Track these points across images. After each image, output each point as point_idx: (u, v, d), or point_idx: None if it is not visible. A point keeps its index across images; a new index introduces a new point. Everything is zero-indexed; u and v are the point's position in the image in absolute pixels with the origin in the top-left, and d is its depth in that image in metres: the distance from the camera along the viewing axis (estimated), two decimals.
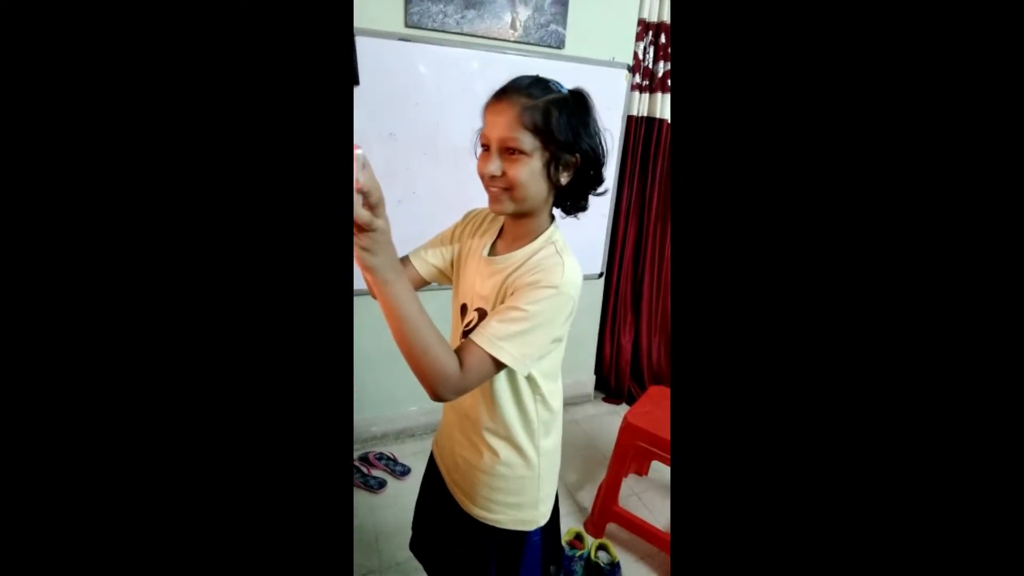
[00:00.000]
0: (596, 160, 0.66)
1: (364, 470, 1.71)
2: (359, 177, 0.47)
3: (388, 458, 1.76)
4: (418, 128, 1.58)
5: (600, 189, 0.70)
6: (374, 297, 0.56)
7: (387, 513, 1.55)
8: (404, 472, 1.72)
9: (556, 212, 0.72)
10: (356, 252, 0.51)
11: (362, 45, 1.43)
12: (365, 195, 0.48)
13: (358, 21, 1.42)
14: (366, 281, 0.59)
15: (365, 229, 0.49)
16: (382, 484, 1.65)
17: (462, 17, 1.54)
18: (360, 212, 0.47)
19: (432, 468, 0.89)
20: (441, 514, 0.83)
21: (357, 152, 0.46)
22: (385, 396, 1.86)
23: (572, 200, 0.69)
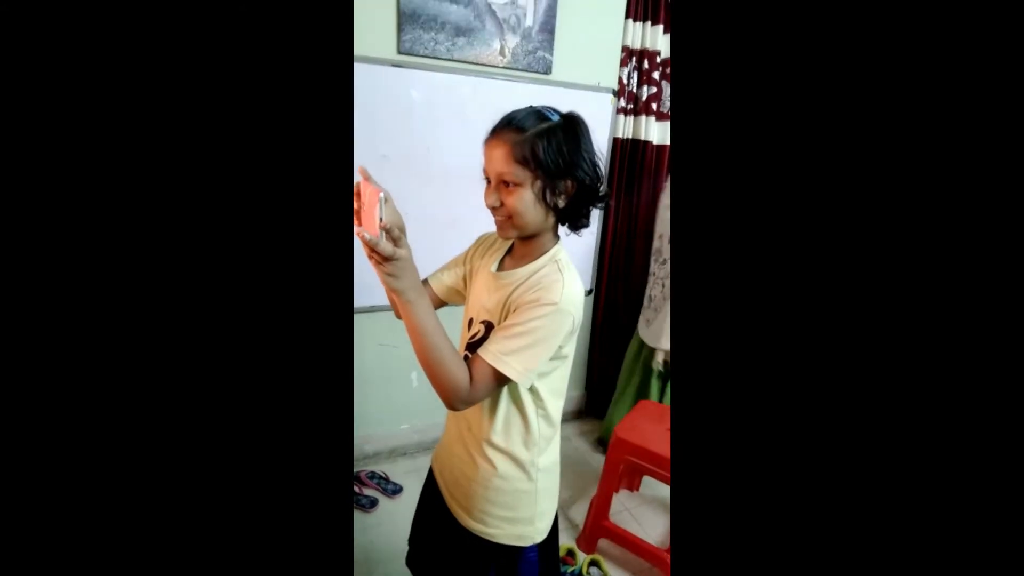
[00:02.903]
0: (592, 181, 0.70)
1: (356, 489, 1.70)
2: (382, 216, 0.53)
3: (380, 477, 1.75)
4: (410, 150, 1.62)
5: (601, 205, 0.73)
6: (398, 316, 0.62)
7: (378, 532, 1.54)
8: (396, 491, 1.71)
9: (562, 228, 0.75)
10: (381, 278, 0.58)
11: (357, 70, 1.48)
12: (388, 231, 0.55)
13: (354, 48, 1.46)
14: (390, 301, 0.65)
15: (389, 259, 0.55)
16: (374, 503, 1.65)
17: (452, 44, 1.60)
18: (384, 246, 0.54)
19: (431, 483, 0.90)
20: (439, 529, 0.84)
21: (380, 195, 0.53)
22: (377, 414, 1.86)
23: (573, 219, 0.73)
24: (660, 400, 1.82)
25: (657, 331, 1.75)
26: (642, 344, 1.85)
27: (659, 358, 1.75)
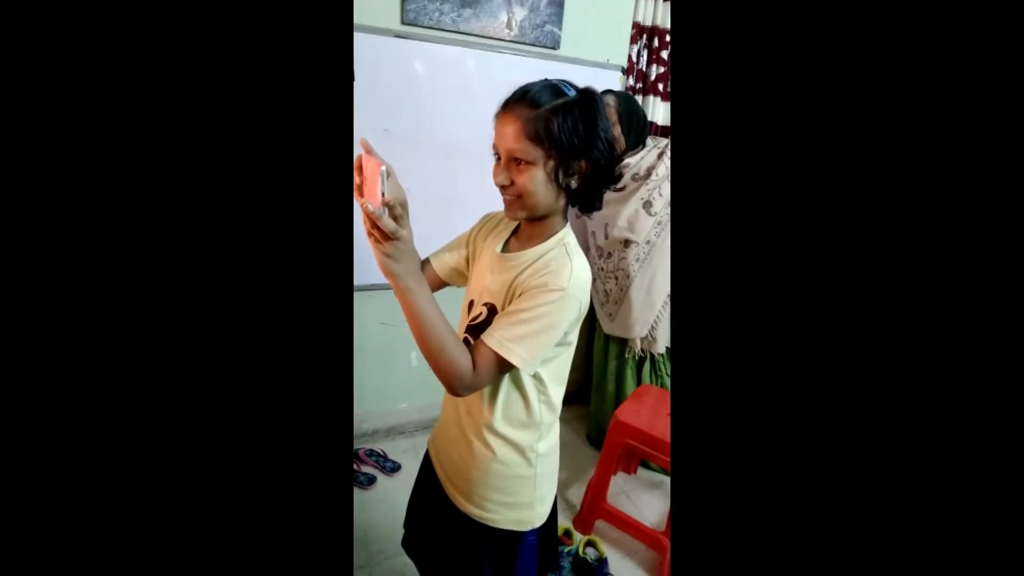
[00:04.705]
0: (606, 161, 0.66)
1: (354, 466, 1.71)
2: (384, 191, 0.51)
3: (378, 455, 1.76)
4: (413, 125, 1.58)
5: (619, 185, 0.71)
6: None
7: (376, 509, 1.56)
8: (394, 468, 1.72)
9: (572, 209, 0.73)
10: (379, 258, 0.55)
11: (358, 41, 1.43)
12: (391, 207, 0.52)
13: (355, 17, 1.42)
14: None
15: (390, 237, 0.53)
16: (372, 480, 1.66)
17: (458, 15, 1.54)
18: (387, 222, 0.51)
19: (427, 466, 0.89)
20: (436, 513, 0.84)
21: (382, 168, 0.50)
22: (376, 393, 1.86)
23: (584, 201, 0.70)
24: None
25: (624, 322, 1.72)
26: (607, 339, 1.82)
27: (637, 347, 1.73)
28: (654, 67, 1.90)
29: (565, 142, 0.62)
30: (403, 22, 1.49)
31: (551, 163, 0.64)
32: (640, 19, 1.84)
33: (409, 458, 1.78)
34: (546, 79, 0.66)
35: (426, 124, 1.60)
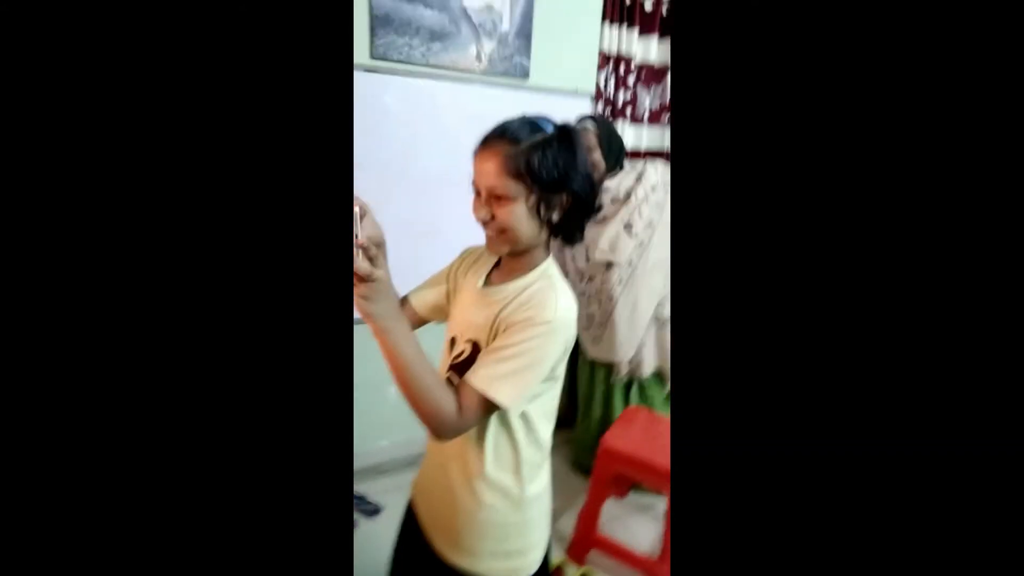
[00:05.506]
0: (587, 194, 0.67)
1: None
2: (359, 232, 0.50)
3: (357, 497, 1.69)
4: (386, 159, 1.57)
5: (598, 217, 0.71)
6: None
7: (357, 557, 1.47)
8: (374, 511, 1.65)
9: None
10: (356, 300, 0.53)
11: None
12: (365, 248, 0.51)
13: None
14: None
15: (364, 280, 0.51)
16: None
17: (427, 49, 1.56)
18: (360, 264, 0.50)
19: (410, 515, 0.84)
20: (420, 564, 0.79)
21: (355, 208, 0.49)
22: (354, 430, 1.79)
23: (566, 233, 0.70)
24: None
25: (610, 346, 1.71)
26: (592, 365, 1.81)
27: (623, 371, 1.72)
28: (621, 93, 1.95)
29: (545, 177, 0.62)
30: (372, 56, 1.49)
31: (532, 198, 0.63)
32: (605, 48, 1.90)
33: (390, 498, 1.71)
34: (523, 115, 0.66)
35: (399, 158, 1.59)
